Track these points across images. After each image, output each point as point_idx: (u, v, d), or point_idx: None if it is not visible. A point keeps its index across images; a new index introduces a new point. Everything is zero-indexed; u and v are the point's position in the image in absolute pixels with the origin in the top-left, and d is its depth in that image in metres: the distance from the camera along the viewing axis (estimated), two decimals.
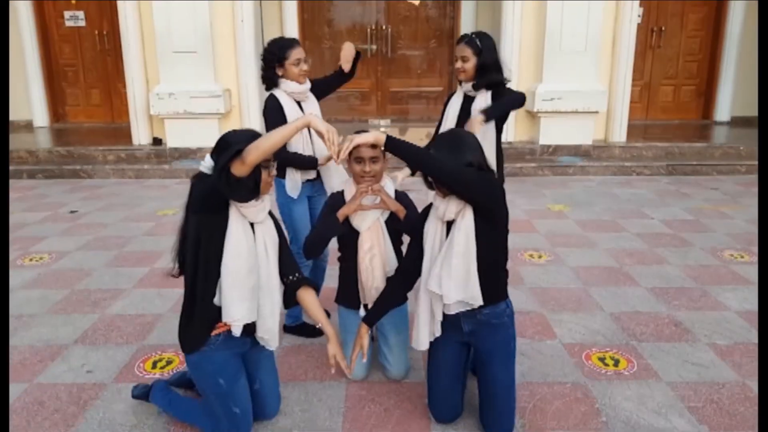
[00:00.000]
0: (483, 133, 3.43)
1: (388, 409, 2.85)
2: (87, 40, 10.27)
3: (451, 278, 2.40)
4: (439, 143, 2.49)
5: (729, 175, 7.85)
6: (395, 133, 10.04)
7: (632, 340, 3.50)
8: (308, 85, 3.49)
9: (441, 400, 2.65)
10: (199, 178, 2.39)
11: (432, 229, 2.53)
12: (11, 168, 7.87)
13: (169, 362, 3.31)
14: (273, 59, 3.38)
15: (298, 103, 3.47)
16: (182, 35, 7.86)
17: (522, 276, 4.45)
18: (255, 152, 2.19)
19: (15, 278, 4.51)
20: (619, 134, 8.47)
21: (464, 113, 3.50)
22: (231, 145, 2.24)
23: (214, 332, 2.49)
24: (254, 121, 8.32)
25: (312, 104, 3.55)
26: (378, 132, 2.45)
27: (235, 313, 2.43)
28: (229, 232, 2.39)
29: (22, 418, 2.82)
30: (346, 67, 3.65)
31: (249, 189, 2.30)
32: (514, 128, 8.44)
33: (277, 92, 3.42)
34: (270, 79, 3.43)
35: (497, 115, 3.35)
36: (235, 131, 2.41)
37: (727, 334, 3.57)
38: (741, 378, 3.10)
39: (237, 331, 2.45)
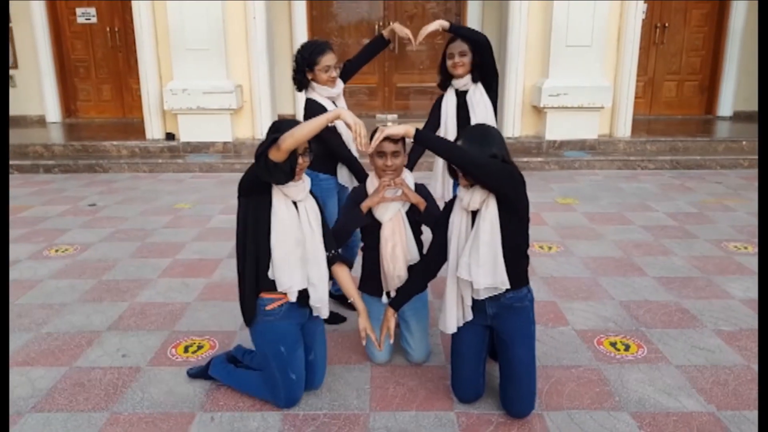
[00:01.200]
0: (484, 114, 3.65)
1: (412, 390, 3.01)
2: (98, 36, 10.43)
3: (479, 265, 2.55)
4: (466, 136, 2.64)
5: (732, 169, 8.00)
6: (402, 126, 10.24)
7: (642, 327, 3.66)
8: (340, 87, 3.66)
9: (465, 381, 2.81)
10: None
11: (457, 220, 2.68)
12: (28, 163, 8.03)
13: (200, 347, 3.46)
14: (303, 63, 3.54)
15: (333, 102, 3.65)
16: (195, 32, 8.02)
17: (534, 266, 4.60)
18: (290, 140, 2.38)
19: (42, 269, 4.67)
20: (624, 129, 8.62)
21: (462, 109, 3.75)
22: (275, 132, 2.43)
23: (276, 304, 2.71)
24: (266, 117, 8.48)
25: (342, 102, 3.74)
26: (407, 125, 2.60)
27: (287, 281, 2.65)
28: (273, 210, 2.63)
29: (64, 398, 2.98)
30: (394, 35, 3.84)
31: (285, 173, 2.48)
32: (521, 123, 8.59)
33: (313, 95, 3.59)
34: (300, 81, 3.60)
35: (465, 33, 3.65)
36: (281, 120, 2.65)
37: (733, 321, 3.72)
38: (746, 362, 3.25)
39: (292, 297, 2.68)
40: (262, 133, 8.49)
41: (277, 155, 2.40)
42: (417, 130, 2.56)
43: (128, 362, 3.32)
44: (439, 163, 3.81)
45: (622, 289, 4.22)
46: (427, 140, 2.56)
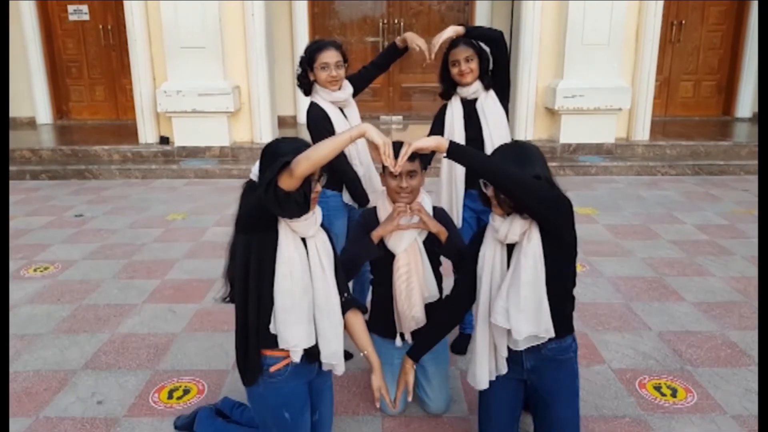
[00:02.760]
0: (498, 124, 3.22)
1: None
2: (91, 34, 9.99)
3: (520, 310, 2.13)
4: (503, 154, 2.22)
5: (757, 174, 7.55)
6: (407, 130, 9.86)
7: (687, 365, 3.23)
8: (348, 90, 3.24)
9: None
10: (249, 187, 2.18)
11: (490, 254, 2.26)
12: (14, 168, 7.60)
13: (186, 391, 3.04)
14: (305, 62, 3.15)
15: (341, 109, 3.23)
16: (190, 30, 7.57)
17: None
18: (305, 163, 1.94)
19: (19, 292, 4.25)
20: (642, 132, 8.17)
21: (471, 120, 3.26)
22: (279, 156, 2.01)
23: (282, 364, 2.24)
24: (265, 119, 8.04)
25: (354, 110, 3.31)
26: (438, 137, 2.18)
27: (291, 339, 2.18)
28: (279, 250, 2.15)
29: None
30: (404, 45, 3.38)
31: (298, 204, 2.04)
32: (533, 126, 8.15)
33: (317, 99, 3.18)
34: (304, 84, 3.20)
35: (483, 33, 3.20)
36: (283, 140, 2.18)
37: None
38: None
39: (296, 357, 2.20)
40: (261, 137, 8.06)
41: (288, 183, 1.96)
42: (451, 142, 2.13)
43: (104, 411, 2.89)
44: (446, 168, 3.32)
45: (659, 317, 3.79)
46: (463, 155, 2.14)
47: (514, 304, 2.15)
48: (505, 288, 2.19)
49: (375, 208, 2.71)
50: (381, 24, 9.94)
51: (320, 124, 3.10)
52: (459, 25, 3.19)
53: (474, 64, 3.18)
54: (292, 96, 9.59)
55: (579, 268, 4.55)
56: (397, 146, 2.21)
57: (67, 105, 10.30)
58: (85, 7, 9.85)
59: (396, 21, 9.93)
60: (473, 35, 3.16)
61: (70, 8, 9.84)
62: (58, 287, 4.34)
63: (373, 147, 2.11)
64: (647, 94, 8.05)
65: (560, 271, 2.21)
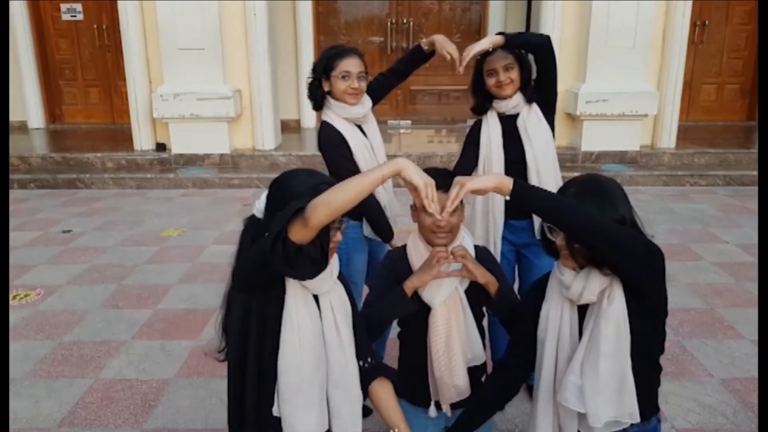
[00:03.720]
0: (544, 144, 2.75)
1: None
2: (85, 34, 9.51)
3: (599, 390, 1.67)
4: (578, 190, 1.76)
5: None
6: (416, 135, 9.40)
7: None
8: (367, 105, 2.76)
9: None
10: (251, 224, 1.74)
11: (556, 315, 1.80)
12: None
13: None
14: (320, 70, 2.66)
15: (359, 127, 2.75)
16: (188, 30, 7.09)
17: None
18: (323, 210, 1.48)
19: None
20: (669, 139, 7.69)
21: (512, 140, 2.77)
22: (290, 196, 1.57)
23: None
24: (267, 125, 7.56)
25: (373, 126, 2.83)
26: (499, 176, 1.71)
27: (300, 426, 1.71)
28: (286, 311, 1.69)
29: None
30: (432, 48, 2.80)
31: (314, 260, 1.58)
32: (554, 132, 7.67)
33: (329, 116, 2.69)
34: (315, 96, 2.71)
35: (527, 40, 2.75)
36: (296, 173, 1.71)
37: None
38: None
39: None
40: (263, 144, 7.59)
41: (302, 234, 1.50)
42: (515, 182, 1.67)
43: None
44: (481, 196, 2.84)
45: (719, 359, 3.33)
46: (532, 198, 1.67)
47: (590, 383, 1.69)
48: (579, 361, 1.72)
49: (404, 248, 2.23)
50: (389, 23, 9.48)
51: (336, 151, 2.63)
52: (498, 34, 2.68)
53: (515, 74, 2.71)
54: (295, 99, 9.11)
55: None
56: (440, 177, 1.76)
57: (60, 108, 9.83)
58: (78, 6, 9.38)
59: (405, 20, 9.47)
60: (515, 44, 2.68)
61: (63, 7, 9.37)
62: (39, 319, 3.88)
63: (412, 187, 1.65)
64: (674, 98, 7.57)
65: (648, 338, 1.75)
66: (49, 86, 9.67)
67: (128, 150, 7.75)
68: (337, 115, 2.69)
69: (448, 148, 7.94)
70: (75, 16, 9.44)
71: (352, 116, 2.70)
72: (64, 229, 5.68)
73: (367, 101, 2.75)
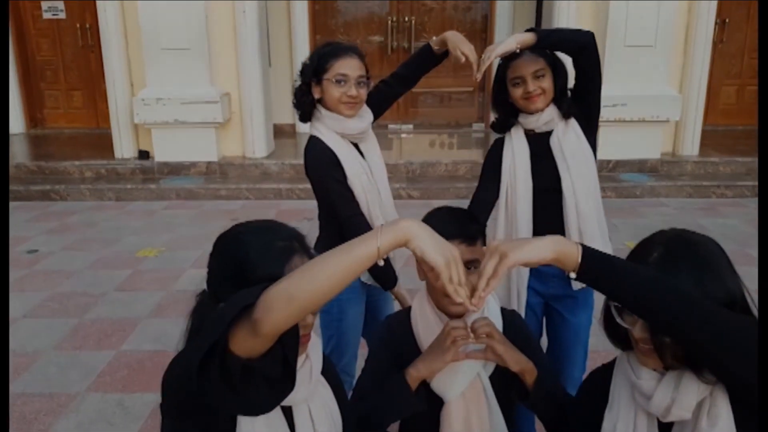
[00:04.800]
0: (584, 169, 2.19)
1: None
2: (68, 34, 8.97)
3: None
4: (665, 256, 1.22)
5: None
6: (418, 140, 8.87)
7: None
8: (367, 119, 2.21)
9: None
10: (201, 306, 1.26)
11: (624, 428, 1.25)
12: None
13: None
14: (309, 72, 2.12)
15: (355, 145, 2.20)
16: (172, 29, 6.53)
17: None
18: (283, 309, 0.96)
19: None
20: (692, 146, 7.13)
21: (542, 161, 2.21)
22: (237, 267, 1.12)
23: None
24: (258, 130, 7.00)
25: (373, 145, 2.28)
26: (559, 239, 1.16)
27: None
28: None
29: None
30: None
31: (272, 381, 1.05)
32: None
33: (319, 130, 2.15)
34: (302, 104, 2.17)
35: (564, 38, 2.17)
36: (252, 230, 1.22)
37: None
38: None
39: None
40: (254, 152, 7.03)
41: (249, 345, 0.98)
42: (584, 249, 1.15)
43: None
44: (502, 236, 2.30)
45: None
46: (608, 272, 1.15)
47: None
48: None
49: (407, 313, 1.68)
50: (389, 22, 8.93)
51: (325, 173, 2.09)
52: (527, 30, 2.08)
53: (547, 82, 2.14)
54: (290, 103, 8.52)
55: None
56: (459, 224, 1.25)
57: (42, 112, 9.28)
58: (60, 5, 8.83)
59: (406, 19, 8.93)
60: (549, 44, 2.12)
61: (44, 5, 8.82)
62: None
63: (428, 267, 1.10)
64: (698, 102, 7.02)
65: None
66: (30, 89, 9.11)
67: (109, 157, 7.21)
68: (328, 129, 2.14)
69: (452, 155, 7.41)
70: (57, 15, 8.89)
71: (348, 131, 2.15)
72: (30, 249, 5.14)
73: (366, 114, 2.20)
